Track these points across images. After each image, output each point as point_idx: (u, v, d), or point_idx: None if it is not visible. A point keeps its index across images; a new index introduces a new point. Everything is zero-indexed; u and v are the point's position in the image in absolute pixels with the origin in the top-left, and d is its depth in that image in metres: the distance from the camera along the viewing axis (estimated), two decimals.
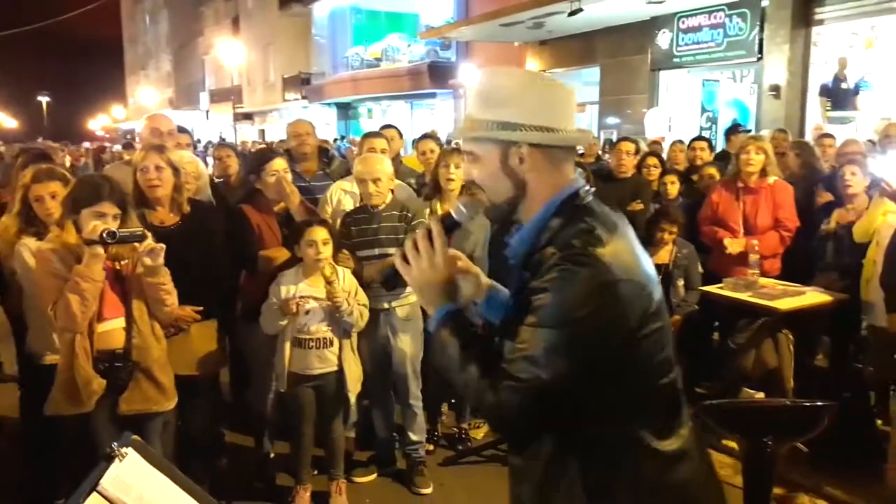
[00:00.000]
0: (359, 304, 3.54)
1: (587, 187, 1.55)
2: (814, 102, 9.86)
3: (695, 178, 5.84)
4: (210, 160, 6.28)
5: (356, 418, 4.18)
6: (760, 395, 4.31)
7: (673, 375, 1.49)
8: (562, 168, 1.55)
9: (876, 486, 3.66)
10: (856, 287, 4.31)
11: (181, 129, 4.94)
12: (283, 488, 3.77)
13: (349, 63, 23.64)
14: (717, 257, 4.75)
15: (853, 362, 4.70)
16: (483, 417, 1.61)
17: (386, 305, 3.76)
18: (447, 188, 4.08)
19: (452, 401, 4.59)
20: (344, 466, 3.77)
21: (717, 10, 10.90)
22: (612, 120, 13.30)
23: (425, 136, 5.88)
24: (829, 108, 9.60)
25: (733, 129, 7.95)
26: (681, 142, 7.26)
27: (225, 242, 3.53)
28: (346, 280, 3.53)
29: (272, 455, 4.05)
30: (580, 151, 6.98)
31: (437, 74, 18.66)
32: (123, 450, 1.31)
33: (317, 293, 3.46)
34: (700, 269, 4.75)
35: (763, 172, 4.67)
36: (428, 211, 4.05)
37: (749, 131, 8.39)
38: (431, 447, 4.23)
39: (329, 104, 25.27)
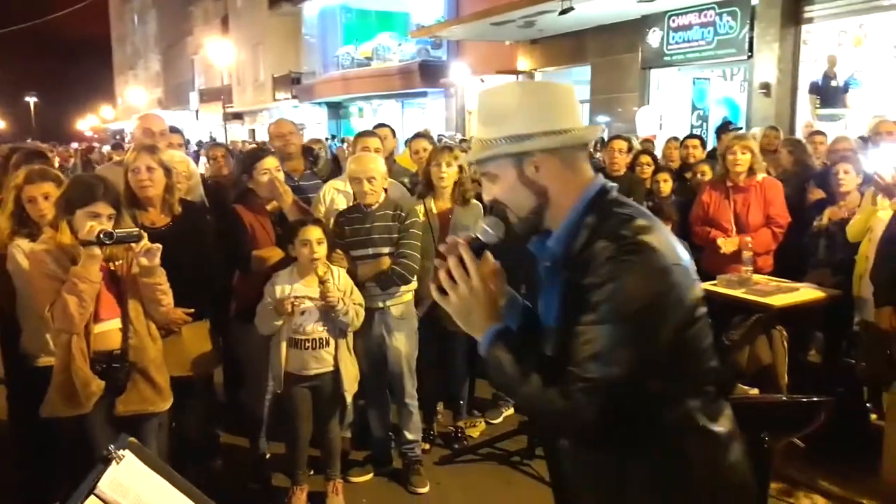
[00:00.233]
0: (354, 304, 3.53)
1: (609, 182, 1.56)
2: (804, 100, 9.92)
3: (688, 175, 5.86)
4: (203, 160, 6.25)
5: (352, 418, 4.18)
6: (755, 391, 4.33)
7: (715, 358, 1.52)
8: (579, 167, 1.55)
9: (871, 480, 3.68)
10: (848, 283, 4.34)
11: (173, 129, 4.92)
12: (279, 489, 3.75)
13: (339, 62, 23.61)
14: (710, 256, 4.76)
15: (845, 358, 4.73)
16: (551, 427, 1.55)
17: (380, 304, 3.75)
18: (439, 186, 4.09)
19: (450, 399, 4.59)
20: (340, 466, 3.76)
21: (708, 9, 10.95)
22: (602, 118, 13.33)
23: (418, 136, 5.89)
24: (818, 106, 9.66)
25: (724, 127, 7.99)
26: (676, 139, 7.29)
27: (217, 242, 3.51)
28: (340, 279, 3.52)
29: (268, 456, 4.03)
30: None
31: (428, 73, 18.67)
32: (120, 452, 1.30)
33: (312, 293, 3.45)
34: None
35: (751, 170, 4.69)
36: (422, 209, 4.06)
37: (740, 129, 8.43)
38: (427, 446, 4.22)
39: (319, 103, 25.25)
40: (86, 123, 57.22)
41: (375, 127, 5.68)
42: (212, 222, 3.62)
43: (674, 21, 11.62)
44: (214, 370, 3.85)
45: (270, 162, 3.79)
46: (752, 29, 10.22)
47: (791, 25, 9.83)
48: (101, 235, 2.65)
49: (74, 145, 18.38)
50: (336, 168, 5.94)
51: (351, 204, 3.94)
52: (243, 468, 4.02)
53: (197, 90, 35.40)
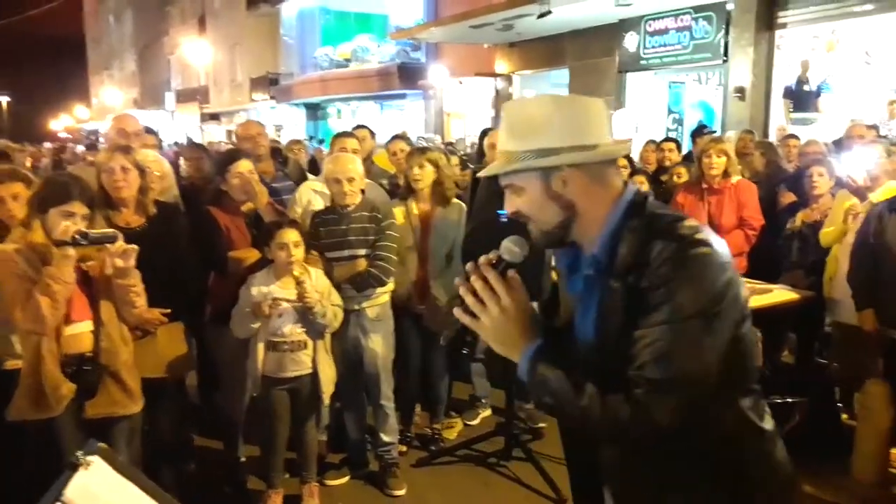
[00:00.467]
0: (332, 305, 3.51)
1: (639, 187, 1.56)
2: (778, 104, 10.05)
3: (664, 178, 5.91)
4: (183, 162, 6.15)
5: (328, 420, 4.15)
6: None
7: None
8: (608, 181, 1.53)
9: (842, 479, 3.73)
10: (820, 284, 4.40)
11: (148, 130, 4.86)
12: (254, 492, 3.72)
13: (318, 63, 23.49)
14: None
15: (818, 358, 4.79)
16: (614, 435, 1.49)
17: (356, 306, 3.74)
18: (417, 188, 4.09)
19: (428, 401, 4.58)
20: (316, 469, 3.73)
21: (684, 14, 11.06)
22: None
23: (396, 137, 5.87)
24: (791, 110, 9.80)
25: (699, 131, 8.07)
26: (652, 142, 7.36)
27: (192, 244, 3.48)
28: (318, 280, 3.50)
29: (243, 459, 3.99)
30: None
31: (407, 75, 18.63)
32: (88, 458, 1.27)
33: (289, 295, 3.42)
34: None
35: (726, 173, 4.74)
36: (404, 211, 4.06)
37: (714, 132, 8.52)
38: (404, 448, 4.21)
39: (297, 104, 25.11)
40: (60, 123, 56.27)
41: (354, 128, 5.66)
42: (186, 224, 3.58)
43: (650, 25, 11.71)
44: (188, 373, 3.81)
45: (244, 165, 3.75)
46: (727, 33, 10.34)
47: (765, 30, 9.96)
48: (77, 236, 2.61)
49: (48, 145, 18.09)
50: (312, 170, 5.91)
51: (328, 205, 3.92)
52: (218, 472, 3.98)
53: (173, 91, 35.07)
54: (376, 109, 22.40)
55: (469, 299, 1.49)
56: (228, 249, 3.68)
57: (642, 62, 11.98)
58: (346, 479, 3.94)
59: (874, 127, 6.66)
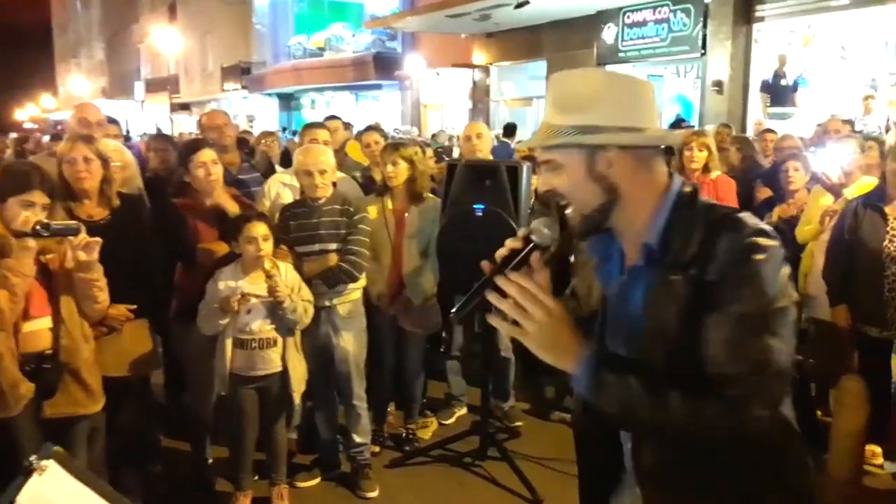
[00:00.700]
0: (303, 300, 3.41)
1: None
2: (755, 98, 10.11)
3: None
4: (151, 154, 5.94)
5: (299, 420, 4.05)
6: None
7: None
8: (655, 168, 1.46)
9: (818, 476, 3.71)
10: (796, 280, 4.38)
11: (111, 120, 4.74)
12: (223, 494, 3.62)
13: (291, 53, 23.24)
14: None
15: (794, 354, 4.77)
16: (703, 436, 1.38)
17: (327, 303, 3.64)
18: (391, 185, 4.00)
19: (402, 400, 4.49)
20: (286, 471, 3.65)
21: (662, 6, 11.08)
22: None
23: (369, 129, 5.78)
24: (769, 104, 9.85)
25: (676, 124, 8.09)
26: None
27: (156, 237, 3.38)
28: (287, 275, 3.39)
29: (210, 460, 3.89)
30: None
31: (383, 65, 18.48)
32: (43, 462, 1.19)
33: (258, 290, 3.32)
34: None
35: (706, 168, 4.70)
36: (379, 208, 3.96)
37: (692, 126, 8.54)
38: (377, 449, 4.13)
39: (270, 94, 24.84)
40: (25, 113, 55.11)
41: (325, 119, 5.55)
42: (151, 216, 3.46)
43: (629, 17, 11.72)
44: (154, 371, 3.70)
45: (207, 155, 3.61)
46: (705, 26, 10.37)
47: (743, 24, 10.00)
48: (38, 227, 2.51)
49: (13, 135, 17.65)
50: (285, 162, 5.78)
51: (297, 198, 3.81)
52: (185, 473, 3.88)
53: (143, 80, 34.53)
54: (351, 100, 22.22)
55: (505, 307, 1.35)
56: (195, 242, 3.56)
57: (620, 54, 11.98)
58: (317, 480, 3.85)
59: (850, 122, 6.69)
